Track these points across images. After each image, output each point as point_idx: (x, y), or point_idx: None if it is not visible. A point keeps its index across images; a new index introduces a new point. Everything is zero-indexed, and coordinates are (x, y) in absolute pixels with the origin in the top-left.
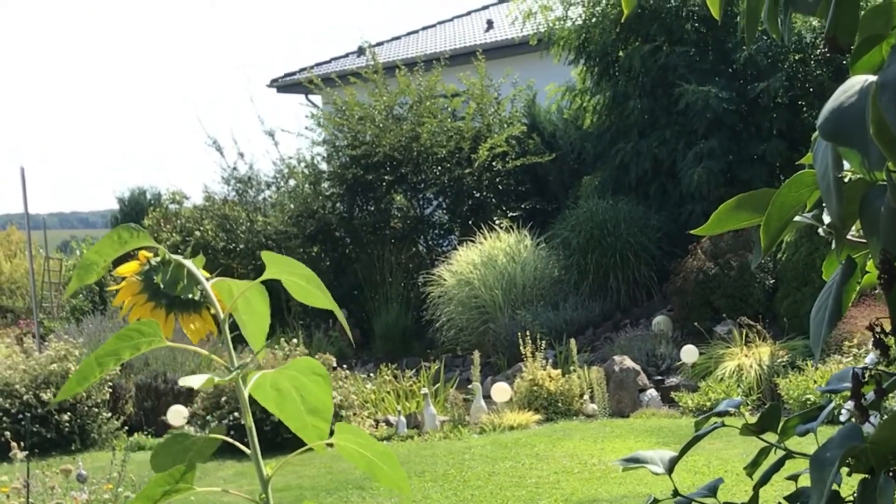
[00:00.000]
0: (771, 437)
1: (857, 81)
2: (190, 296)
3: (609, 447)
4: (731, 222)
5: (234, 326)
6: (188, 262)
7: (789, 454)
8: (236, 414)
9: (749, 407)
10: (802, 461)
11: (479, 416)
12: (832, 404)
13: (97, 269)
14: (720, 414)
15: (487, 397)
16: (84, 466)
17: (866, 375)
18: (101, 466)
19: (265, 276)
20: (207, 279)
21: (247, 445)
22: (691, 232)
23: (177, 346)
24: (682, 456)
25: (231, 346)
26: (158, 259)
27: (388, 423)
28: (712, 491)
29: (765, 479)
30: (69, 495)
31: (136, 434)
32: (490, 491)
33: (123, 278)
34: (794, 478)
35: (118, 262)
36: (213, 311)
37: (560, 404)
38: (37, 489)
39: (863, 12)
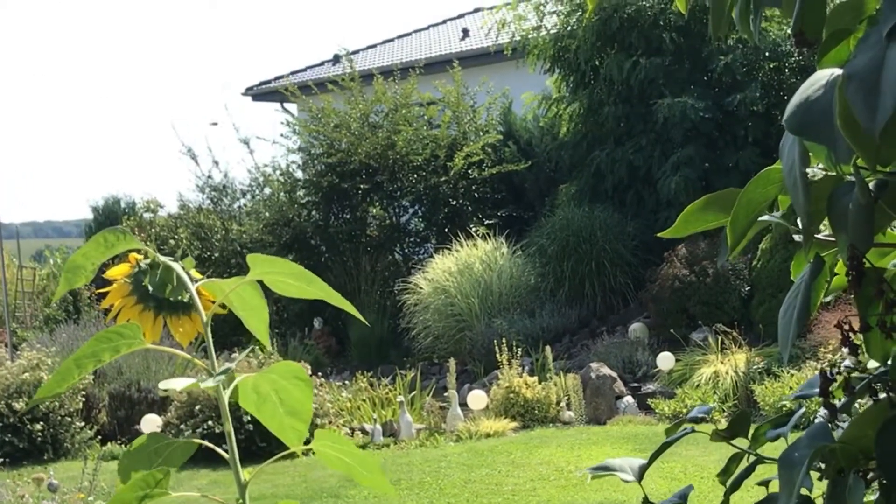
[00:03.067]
0: (742, 444)
1: (824, 75)
2: (179, 298)
3: (586, 454)
4: (698, 223)
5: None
6: (177, 265)
7: (760, 459)
8: (210, 423)
9: (725, 413)
10: (774, 466)
11: (456, 424)
12: (802, 409)
13: (85, 273)
14: (692, 420)
15: (464, 405)
16: (56, 476)
17: (834, 374)
18: (73, 476)
19: (253, 276)
20: (196, 282)
21: (224, 450)
22: (660, 234)
23: (157, 349)
24: (652, 463)
25: (213, 349)
26: (148, 262)
27: (363, 431)
28: (682, 498)
29: (736, 486)
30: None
31: (109, 443)
32: (466, 499)
33: (113, 282)
34: (765, 483)
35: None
36: (200, 313)
37: (537, 411)
38: (7, 498)
39: (829, 7)
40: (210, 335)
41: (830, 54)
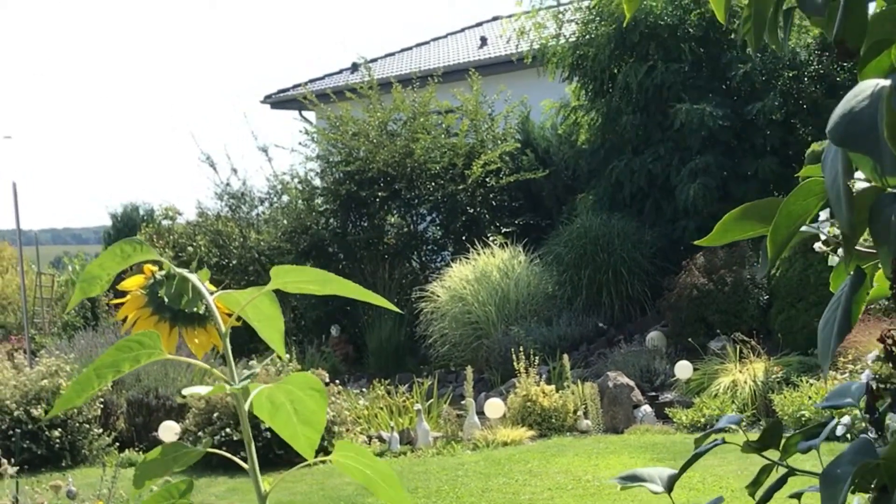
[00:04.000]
0: (772, 455)
1: (869, 86)
2: (195, 309)
3: (603, 463)
4: (735, 232)
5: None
6: (193, 276)
7: (792, 472)
8: (228, 430)
9: (744, 423)
10: (806, 479)
11: (473, 433)
12: (834, 421)
13: (100, 283)
14: (721, 430)
15: (481, 413)
16: (74, 483)
17: (879, 389)
18: (91, 483)
19: (272, 287)
20: (212, 293)
21: (244, 459)
22: (696, 243)
23: (177, 359)
24: (682, 474)
25: (232, 359)
26: (163, 273)
27: (380, 439)
28: None
29: (767, 498)
30: None
31: (127, 450)
32: None
33: (127, 293)
34: (798, 496)
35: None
36: (216, 325)
37: (554, 420)
38: None
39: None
40: (228, 346)
41: (871, 65)
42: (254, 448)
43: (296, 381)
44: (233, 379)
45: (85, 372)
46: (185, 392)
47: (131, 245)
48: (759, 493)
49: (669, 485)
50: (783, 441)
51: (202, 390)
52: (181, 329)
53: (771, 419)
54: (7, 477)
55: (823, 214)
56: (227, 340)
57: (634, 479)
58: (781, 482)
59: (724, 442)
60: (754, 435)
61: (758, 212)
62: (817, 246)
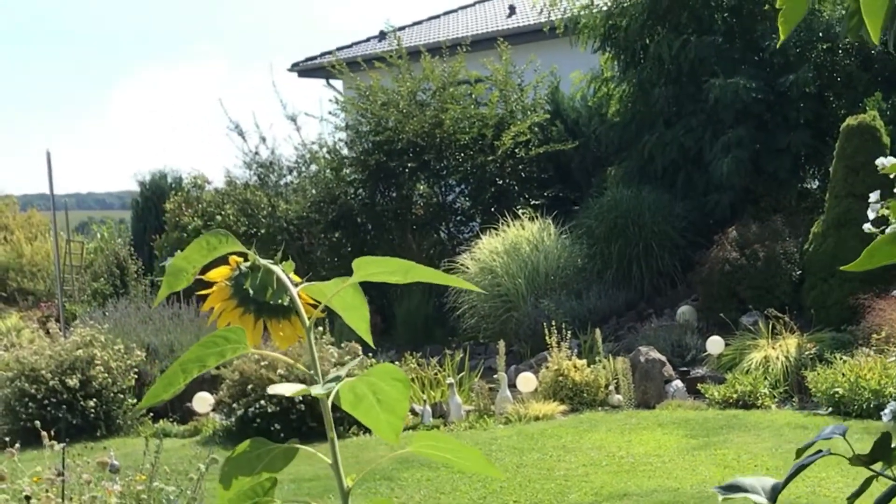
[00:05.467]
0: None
1: None
2: (279, 301)
3: (636, 439)
4: (882, 257)
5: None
6: (277, 268)
7: None
8: (262, 402)
9: (776, 399)
10: None
11: (505, 406)
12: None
13: (186, 276)
14: (825, 439)
15: (512, 387)
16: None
17: None
18: (127, 453)
19: (357, 279)
20: (296, 284)
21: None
22: (843, 268)
23: (263, 354)
24: (787, 485)
25: (315, 353)
26: (248, 264)
27: (413, 412)
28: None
29: None
30: (101, 485)
31: (161, 420)
32: (519, 483)
33: (212, 283)
34: None
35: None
36: (300, 316)
37: (585, 395)
38: (68, 479)
39: None
40: (312, 339)
41: None
42: (337, 446)
43: (378, 373)
44: (318, 374)
45: (171, 367)
46: (269, 390)
47: (217, 237)
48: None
49: (773, 496)
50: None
51: (288, 390)
52: (266, 321)
53: (880, 434)
54: (48, 447)
55: (874, 196)
56: (311, 334)
57: (736, 489)
58: (890, 495)
59: (829, 453)
60: (787, 412)
61: None
62: (867, 227)
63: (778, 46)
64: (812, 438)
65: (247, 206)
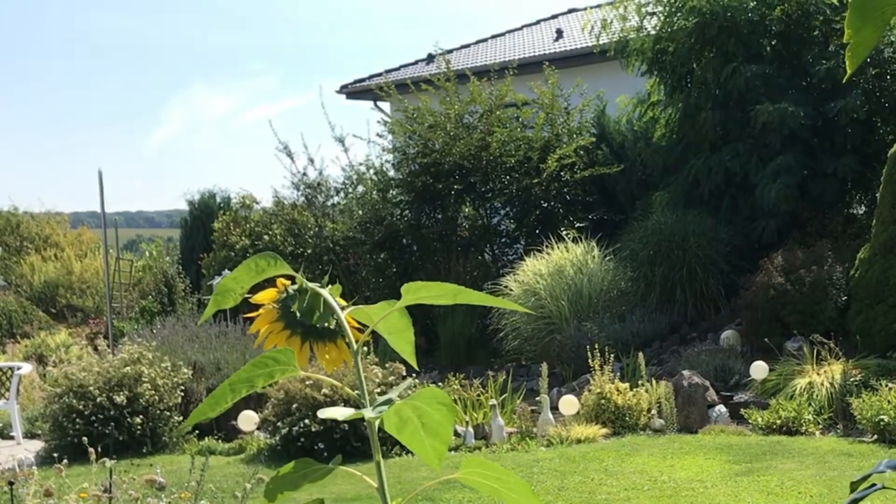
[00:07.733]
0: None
1: None
2: (326, 325)
3: (679, 464)
4: None
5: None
6: (324, 291)
7: None
8: (307, 421)
9: (820, 426)
10: None
11: (547, 429)
12: None
13: (233, 296)
14: (881, 472)
15: (554, 409)
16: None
17: None
18: (172, 471)
19: (405, 302)
20: (343, 308)
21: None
22: None
23: (311, 376)
24: None
25: (362, 377)
26: (296, 287)
27: (455, 433)
28: None
29: None
30: (147, 502)
31: (206, 438)
32: None
33: (259, 306)
34: None
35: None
36: (347, 340)
37: (627, 418)
38: (115, 496)
39: None
40: (360, 363)
41: None
42: (383, 470)
43: (423, 397)
44: (364, 398)
45: (220, 386)
46: (321, 414)
47: (265, 260)
48: None
49: None
50: None
51: (339, 414)
52: (312, 344)
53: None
54: (94, 463)
55: None
56: (359, 357)
57: None
58: None
59: (883, 487)
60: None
61: None
62: None
63: (845, 81)
64: (868, 471)
65: (294, 227)
